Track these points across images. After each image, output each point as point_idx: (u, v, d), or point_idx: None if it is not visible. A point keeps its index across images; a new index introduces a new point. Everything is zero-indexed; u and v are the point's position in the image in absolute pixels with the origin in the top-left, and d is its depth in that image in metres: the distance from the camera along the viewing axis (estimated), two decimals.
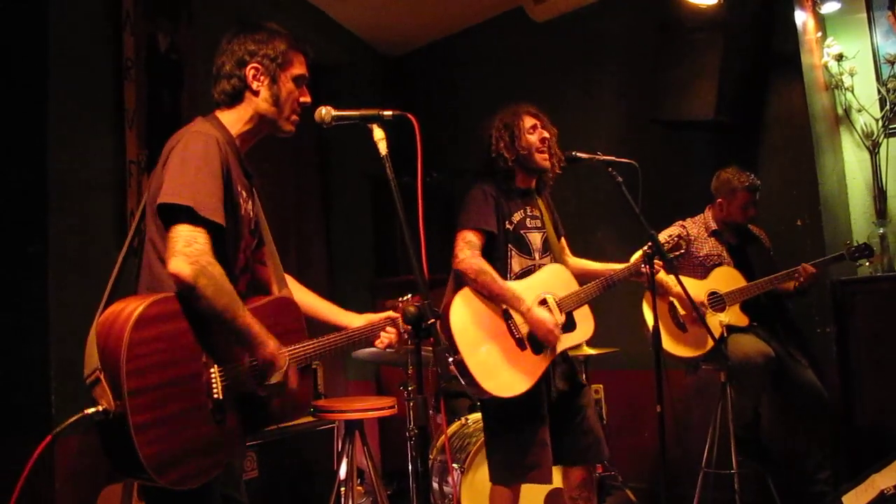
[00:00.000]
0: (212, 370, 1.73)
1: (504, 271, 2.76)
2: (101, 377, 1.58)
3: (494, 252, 2.76)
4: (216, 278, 1.68)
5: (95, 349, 1.62)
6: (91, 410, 1.57)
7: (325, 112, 1.90)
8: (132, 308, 1.60)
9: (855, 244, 3.54)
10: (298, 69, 2.01)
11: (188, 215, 1.68)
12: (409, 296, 2.39)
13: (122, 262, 1.88)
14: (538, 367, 2.65)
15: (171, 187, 1.71)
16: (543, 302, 2.73)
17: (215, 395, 1.72)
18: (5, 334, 3.01)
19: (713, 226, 3.74)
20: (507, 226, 2.78)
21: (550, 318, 2.65)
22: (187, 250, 1.65)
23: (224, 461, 1.76)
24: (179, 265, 1.64)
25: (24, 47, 3.07)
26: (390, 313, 2.25)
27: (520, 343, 2.65)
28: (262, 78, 1.95)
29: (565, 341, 2.75)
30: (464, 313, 2.62)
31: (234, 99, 1.96)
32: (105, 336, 1.61)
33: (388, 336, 2.20)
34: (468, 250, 2.67)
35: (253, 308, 1.88)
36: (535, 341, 2.68)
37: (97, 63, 3.24)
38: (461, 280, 2.69)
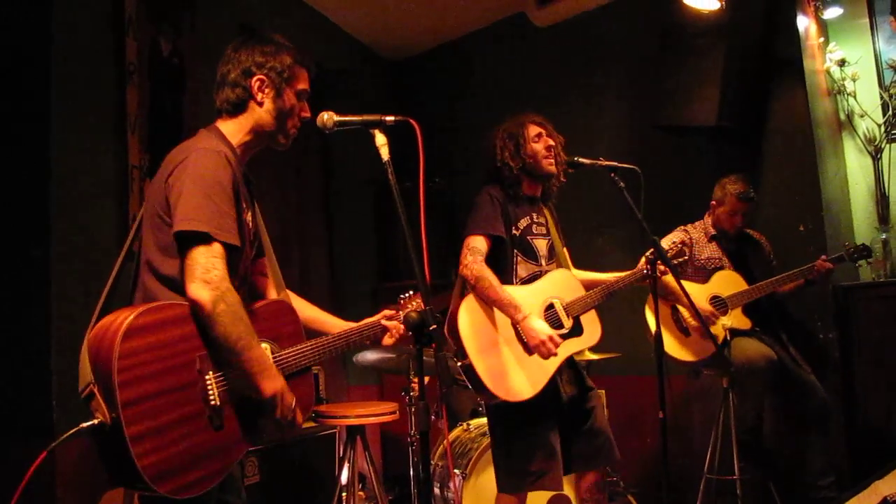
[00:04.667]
0: (207, 376, 1.72)
1: (510, 276, 2.75)
2: (95, 390, 1.58)
3: (501, 257, 2.75)
4: (234, 306, 1.69)
5: (88, 363, 1.62)
6: (87, 424, 1.57)
7: (328, 117, 1.90)
8: (122, 319, 1.60)
9: (854, 246, 3.55)
10: (302, 84, 2.01)
11: (206, 240, 1.69)
12: (410, 292, 2.39)
13: (119, 269, 1.89)
14: (546, 371, 2.64)
15: (186, 212, 1.70)
16: (551, 307, 2.73)
17: (212, 402, 1.71)
18: (7, 338, 3.01)
19: (712, 231, 3.75)
20: (514, 231, 2.77)
21: (544, 330, 2.60)
22: (206, 276, 1.66)
23: (226, 468, 1.75)
24: (199, 291, 1.65)
25: (27, 52, 3.08)
26: (385, 313, 2.27)
27: (528, 348, 2.64)
28: (266, 90, 1.95)
29: (573, 345, 2.75)
30: (472, 318, 2.62)
31: (237, 108, 1.95)
32: (96, 349, 1.61)
33: (394, 329, 2.23)
34: (471, 256, 2.66)
35: (249, 311, 1.87)
36: None
37: (99, 67, 3.24)
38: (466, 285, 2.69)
